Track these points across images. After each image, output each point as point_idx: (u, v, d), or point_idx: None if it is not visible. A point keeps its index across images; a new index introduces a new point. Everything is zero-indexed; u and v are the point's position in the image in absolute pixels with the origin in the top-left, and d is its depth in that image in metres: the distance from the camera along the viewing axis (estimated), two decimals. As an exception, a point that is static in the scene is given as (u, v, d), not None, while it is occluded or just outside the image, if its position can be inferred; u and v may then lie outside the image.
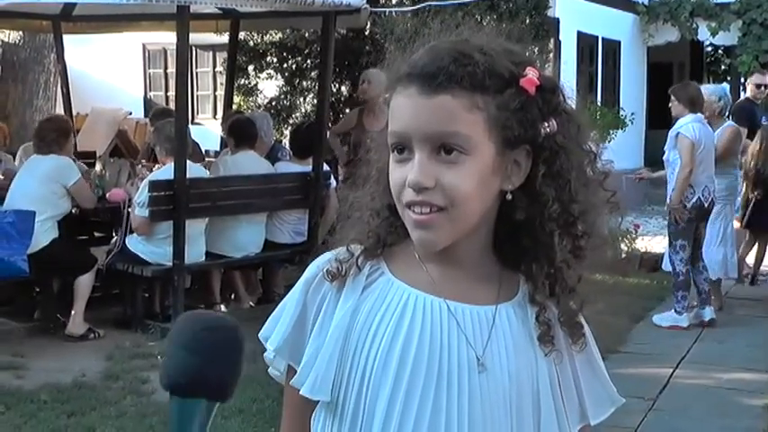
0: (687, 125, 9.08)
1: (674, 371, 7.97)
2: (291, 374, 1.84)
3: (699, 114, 9.20)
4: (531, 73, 1.74)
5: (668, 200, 9.36)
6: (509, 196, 1.76)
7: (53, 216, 8.62)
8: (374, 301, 1.80)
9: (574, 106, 1.83)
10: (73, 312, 8.60)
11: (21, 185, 8.62)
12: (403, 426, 1.74)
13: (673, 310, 9.39)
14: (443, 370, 1.74)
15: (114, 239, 8.92)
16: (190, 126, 9.66)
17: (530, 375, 1.78)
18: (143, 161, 10.26)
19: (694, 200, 9.16)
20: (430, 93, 1.69)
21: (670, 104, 9.39)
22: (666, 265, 9.91)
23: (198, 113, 20.29)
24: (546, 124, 1.74)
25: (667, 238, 9.39)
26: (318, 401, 1.81)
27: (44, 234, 8.52)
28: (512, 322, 1.80)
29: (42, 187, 8.52)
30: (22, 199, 8.44)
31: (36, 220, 8.36)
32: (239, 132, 9.77)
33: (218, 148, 11.94)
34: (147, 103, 20.48)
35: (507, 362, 1.76)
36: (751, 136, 11.26)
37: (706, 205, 9.32)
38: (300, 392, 1.80)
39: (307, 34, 14.77)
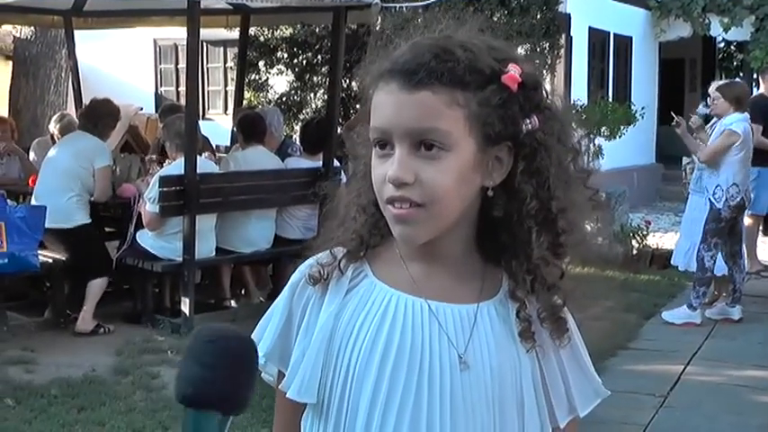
0: (738, 123, 9.17)
1: (685, 367, 7.95)
2: (281, 378, 1.87)
3: (746, 114, 9.25)
4: (514, 69, 1.74)
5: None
6: (490, 193, 1.77)
7: (82, 194, 8.74)
8: (357, 304, 1.82)
9: (558, 103, 1.84)
10: (83, 310, 8.61)
11: (53, 160, 8.81)
12: (384, 425, 1.76)
13: (685, 306, 9.35)
14: (425, 369, 1.76)
15: (129, 232, 8.93)
16: (200, 121, 9.65)
17: (512, 372, 1.79)
18: (153, 157, 10.25)
19: (738, 199, 9.18)
20: (410, 89, 1.70)
21: (713, 102, 9.40)
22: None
23: (209, 109, 20.27)
24: (528, 121, 1.75)
25: (702, 234, 9.31)
26: (306, 403, 1.84)
27: (78, 213, 8.70)
28: (493, 320, 1.81)
29: (75, 162, 8.70)
30: (54, 171, 8.64)
31: (68, 197, 8.54)
32: (248, 127, 9.77)
33: (228, 144, 11.93)
34: (158, 98, 20.46)
35: (489, 359, 1.78)
36: (766, 133, 11.25)
37: (746, 204, 9.45)
38: (287, 395, 1.82)
39: (317, 29, 14.78)
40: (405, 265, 1.82)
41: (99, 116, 9.08)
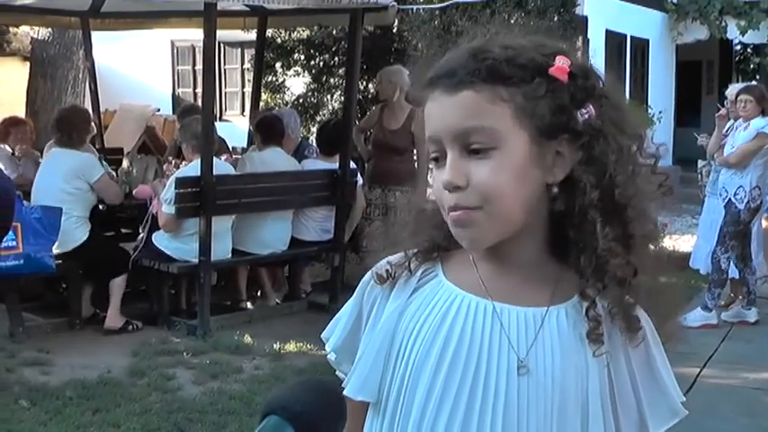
0: None
1: (701, 370, 7.92)
2: None
3: None
4: (562, 61, 1.71)
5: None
6: (555, 189, 1.73)
7: (83, 212, 8.69)
8: (421, 302, 1.81)
9: (615, 92, 1.79)
10: (110, 308, 8.68)
11: (45, 183, 8.67)
12: (436, 426, 1.72)
13: (700, 308, 9.33)
14: (481, 371, 1.72)
15: (140, 236, 8.93)
16: (217, 123, 9.66)
17: (578, 380, 1.72)
18: (170, 158, 10.26)
19: (759, 202, 9.21)
20: (452, 91, 1.69)
21: (743, 105, 9.35)
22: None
23: (226, 110, 20.34)
24: (583, 111, 1.71)
25: (720, 236, 9.29)
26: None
27: (78, 231, 8.61)
28: (562, 325, 1.75)
29: (68, 186, 8.58)
30: (48, 197, 8.49)
31: (66, 218, 8.42)
32: (266, 129, 9.78)
33: (245, 145, 11.95)
34: (176, 99, 20.53)
35: (552, 365, 1.72)
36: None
37: (765, 207, 9.49)
38: (345, 392, 1.82)
39: (334, 31, 14.77)
40: (475, 267, 1.80)
41: (72, 126, 8.89)
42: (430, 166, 1.80)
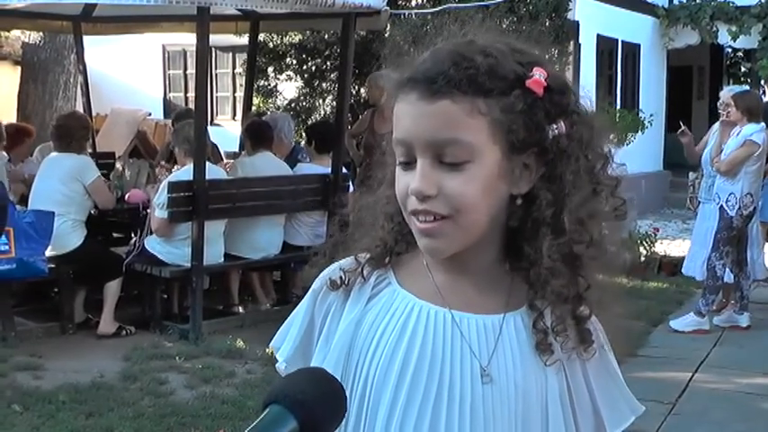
0: (758, 133, 9.17)
1: (693, 375, 7.94)
2: None
3: (762, 124, 9.25)
4: (539, 73, 1.68)
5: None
6: (519, 201, 1.71)
7: (79, 216, 8.70)
8: (378, 312, 1.78)
9: (587, 107, 1.77)
10: (103, 312, 8.69)
11: (43, 187, 8.67)
12: None
13: (692, 314, 9.36)
14: (444, 380, 1.71)
15: (133, 240, 8.93)
16: (209, 127, 9.66)
17: (538, 385, 1.73)
18: (162, 162, 10.26)
19: (751, 208, 9.25)
20: (429, 98, 1.65)
21: (726, 108, 9.40)
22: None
23: (217, 115, 20.32)
24: (554, 126, 1.69)
25: (714, 242, 9.32)
26: None
27: (73, 235, 8.62)
28: (519, 331, 1.74)
29: (65, 188, 8.59)
30: (46, 201, 8.50)
31: (63, 221, 8.43)
32: (256, 134, 9.79)
33: (237, 150, 11.95)
34: (167, 104, 20.53)
35: (514, 372, 1.72)
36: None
37: (757, 212, 9.54)
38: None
39: (326, 36, 14.80)
40: (430, 274, 1.77)
41: (71, 132, 8.88)
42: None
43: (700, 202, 10.33)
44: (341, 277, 1.82)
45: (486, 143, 1.65)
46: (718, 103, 10.07)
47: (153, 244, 8.78)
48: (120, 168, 10.13)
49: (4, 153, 10.20)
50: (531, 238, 1.73)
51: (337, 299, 1.82)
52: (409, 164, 1.69)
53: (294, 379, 1.49)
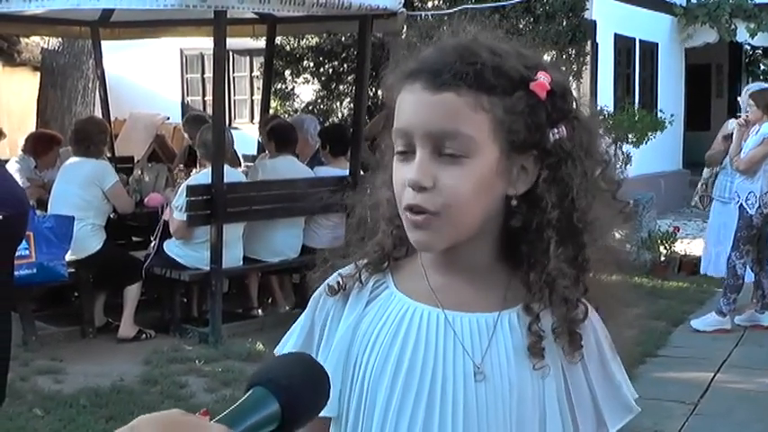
0: None
1: (715, 374, 7.90)
2: None
3: None
4: (543, 77, 1.69)
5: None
6: (514, 202, 1.72)
7: (98, 220, 8.72)
8: (374, 316, 1.80)
9: (586, 113, 1.79)
10: (123, 316, 8.72)
11: (62, 192, 8.69)
12: None
13: (714, 313, 9.32)
14: (437, 379, 1.72)
15: (152, 244, 8.95)
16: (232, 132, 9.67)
17: (534, 383, 1.73)
18: (180, 166, 10.28)
19: None
20: (434, 89, 1.66)
21: (747, 108, 9.37)
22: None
23: (235, 118, 20.34)
24: (555, 130, 1.70)
25: (734, 241, 9.28)
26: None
27: (93, 239, 8.64)
28: (514, 329, 1.75)
29: (84, 193, 8.61)
30: (66, 205, 8.53)
31: (82, 225, 8.46)
32: (281, 137, 9.73)
33: (255, 153, 11.96)
34: (185, 107, 20.54)
35: (508, 369, 1.72)
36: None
37: None
38: None
39: (343, 38, 14.82)
40: (426, 276, 1.79)
41: (90, 137, 8.90)
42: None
43: (712, 200, 10.27)
44: (338, 282, 1.84)
45: (486, 139, 1.66)
46: (740, 100, 10.03)
47: (172, 247, 8.79)
48: (139, 172, 10.14)
49: (32, 159, 10.25)
50: (533, 240, 1.74)
51: (336, 304, 1.84)
52: (407, 154, 1.70)
53: (279, 363, 1.48)
